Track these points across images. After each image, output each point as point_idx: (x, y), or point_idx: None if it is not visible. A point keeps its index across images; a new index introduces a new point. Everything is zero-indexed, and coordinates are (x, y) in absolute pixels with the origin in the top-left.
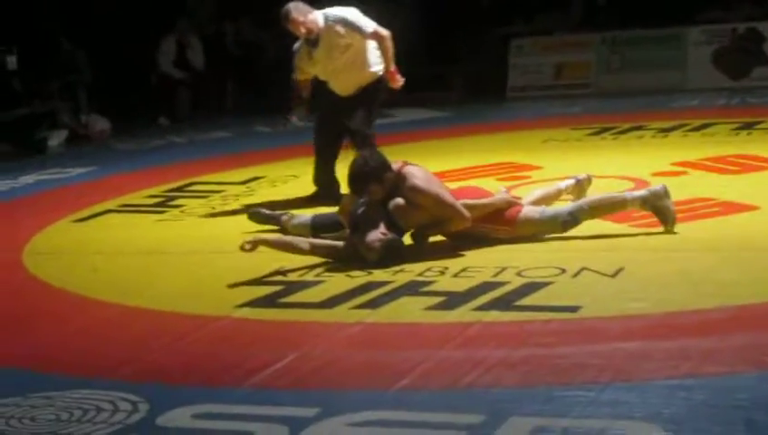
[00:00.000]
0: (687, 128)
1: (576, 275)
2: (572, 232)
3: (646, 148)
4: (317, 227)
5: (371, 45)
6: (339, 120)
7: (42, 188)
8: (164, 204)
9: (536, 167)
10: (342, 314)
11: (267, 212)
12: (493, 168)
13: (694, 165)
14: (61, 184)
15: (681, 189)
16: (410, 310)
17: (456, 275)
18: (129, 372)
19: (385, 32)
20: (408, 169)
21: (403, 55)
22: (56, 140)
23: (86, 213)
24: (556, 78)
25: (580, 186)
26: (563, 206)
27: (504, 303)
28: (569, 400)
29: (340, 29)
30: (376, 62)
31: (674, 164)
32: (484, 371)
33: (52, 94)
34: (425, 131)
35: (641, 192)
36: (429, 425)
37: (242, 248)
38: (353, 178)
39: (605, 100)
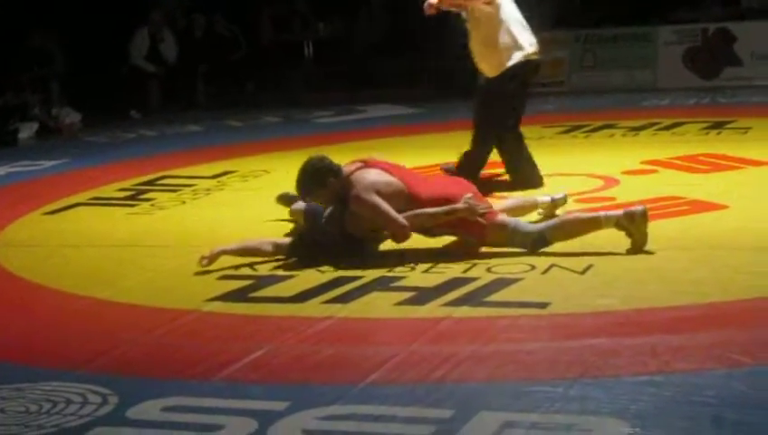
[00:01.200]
0: (658, 127)
1: (546, 271)
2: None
3: (616, 146)
4: (309, 214)
5: (505, 26)
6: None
7: (12, 181)
8: (135, 197)
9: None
10: (313, 308)
11: (293, 194)
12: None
13: (664, 164)
14: (31, 176)
15: (651, 188)
16: (381, 305)
17: (426, 271)
18: (100, 364)
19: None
20: (357, 175)
21: (375, 51)
22: (27, 132)
23: (57, 206)
24: None
25: (554, 205)
26: (537, 224)
27: (475, 298)
28: (537, 395)
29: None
30: (512, 45)
31: (644, 163)
32: (453, 366)
33: (23, 87)
34: (395, 127)
35: (617, 212)
36: (399, 419)
37: (200, 263)
38: (297, 181)
39: (577, 98)
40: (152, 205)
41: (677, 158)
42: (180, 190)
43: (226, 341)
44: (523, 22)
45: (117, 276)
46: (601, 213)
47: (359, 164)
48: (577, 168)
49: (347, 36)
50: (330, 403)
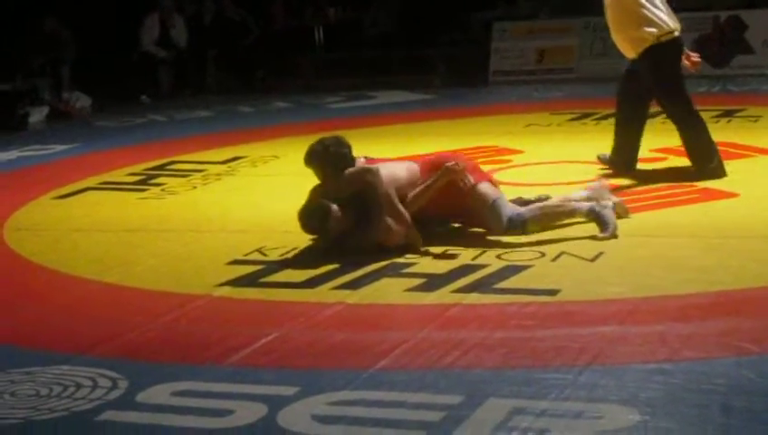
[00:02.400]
0: None
1: (555, 258)
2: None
3: None
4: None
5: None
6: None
7: (22, 165)
8: (145, 182)
9: (517, 151)
10: (323, 294)
11: None
12: (474, 151)
13: (674, 152)
14: (42, 161)
15: (661, 176)
16: (391, 291)
17: (436, 257)
18: (110, 348)
19: None
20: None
21: (385, 37)
22: (37, 116)
23: (67, 190)
24: (539, 62)
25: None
26: (518, 208)
27: (484, 285)
28: (547, 382)
29: None
30: (649, 22)
31: (654, 151)
32: (463, 352)
33: (33, 71)
34: (406, 114)
35: (588, 204)
36: (408, 405)
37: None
38: (306, 155)
39: (587, 85)
40: (163, 190)
41: None
42: (191, 175)
43: (236, 326)
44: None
45: (127, 261)
46: (574, 204)
47: (362, 160)
48: (587, 155)
49: (358, 22)
50: (339, 389)
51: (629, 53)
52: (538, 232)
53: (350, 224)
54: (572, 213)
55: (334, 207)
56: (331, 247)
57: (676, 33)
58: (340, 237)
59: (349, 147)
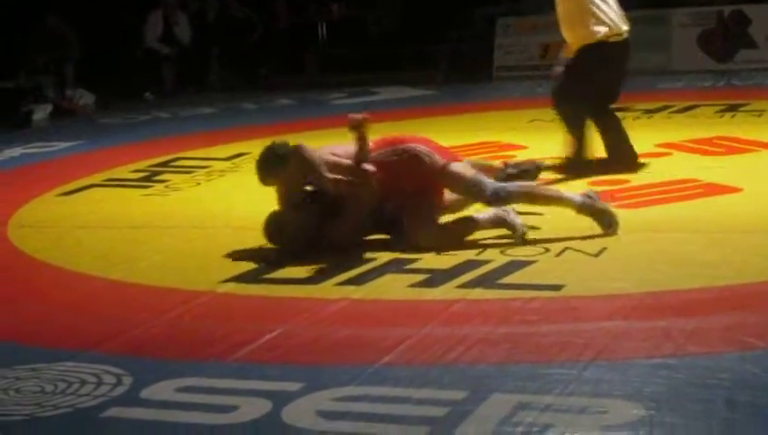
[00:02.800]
0: (672, 109)
1: (559, 254)
2: (556, 211)
3: (630, 129)
4: None
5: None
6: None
7: (26, 162)
8: (149, 179)
9: (521, 146)
10: (327, 290)
11: None
12: (478, 147)
13: (678, 146)
14: (46, 158)
15: (665, 171)
16: (395, 287)
17: (439, 253)
18: (114, 345)
19: None
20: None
21: (389, 34)
22: (41, 113)
23: (71, 187)
24: (542, 58)
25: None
26: (501, 183)
27: (488, 281)
28: (551, 377)
29: None
30: (599, 20)
31: (658, 145)
32: (467, 347)
33: (37, 69)
34: (410, 110)
35: (579, 197)
36: (412, 401)
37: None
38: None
39: None
40: (166, 186)
41: (692, 141)
42: (195, 172)
43: (241, 322)
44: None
45: (131, 257)
46: (566, 194)
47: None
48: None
49: (361, 18)
50: (344, 385)
51: (569, 52)
52: (524, 204)
53: (316, 217)
54: (561, 199)
55: (289, 215)
56: (299, 249)
57: (625, 35)
58: (313, 235)
59: (280, 148)
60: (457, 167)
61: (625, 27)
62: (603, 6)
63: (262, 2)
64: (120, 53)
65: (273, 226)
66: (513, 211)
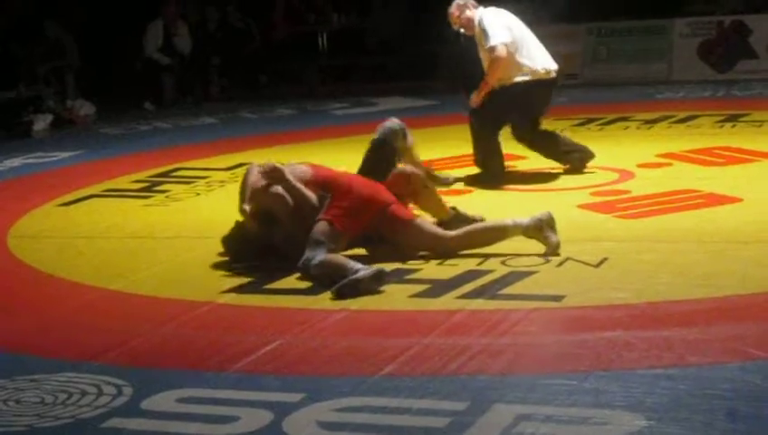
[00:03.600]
0: (673, 119)
1: (560, 264)
2: (556, 222)
3: (631, 139)
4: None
5: (514, 54)
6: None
7: (26, 172)
8: (149, 189)
9: (521, 157)
10: (327, 301)
11: None
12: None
13: (678, 157)
14: (46, 168)
15: (666, 181)
16: (395, 297)
17: (440, 264)
18: (114, 355)
19: (499, 52)
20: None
21: (388, 44)
22: (41, 124)
23: (71, 197)
24: None
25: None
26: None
27: (489, 291)
28: (552, 388)
29: (477, 32)
30: (512, 70)
31: (659, 156)
32: (468, 358)
33: (37, 79)
34: (409, 120)
35: (524, 221)
36: (413, 411)
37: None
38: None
39: (591, 90)
40: (167, 196)
41: (692, 151)
42: (195, 182)
43: (241, 332)
44: (534, 44)
45: (131, 268)
46: (509, 221)
47: None
48: (592, 161)
49: (361, 28)
50: (344, 395)
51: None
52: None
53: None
54: (504, 232)
55: (245, 229)
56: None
57: (552, 75)
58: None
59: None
60: (419, 223)
61: (546, 68)
62: (525, 56)
63: (261, 12)
64: (121, 63)
65: (228, 244)
66: (548, 223)
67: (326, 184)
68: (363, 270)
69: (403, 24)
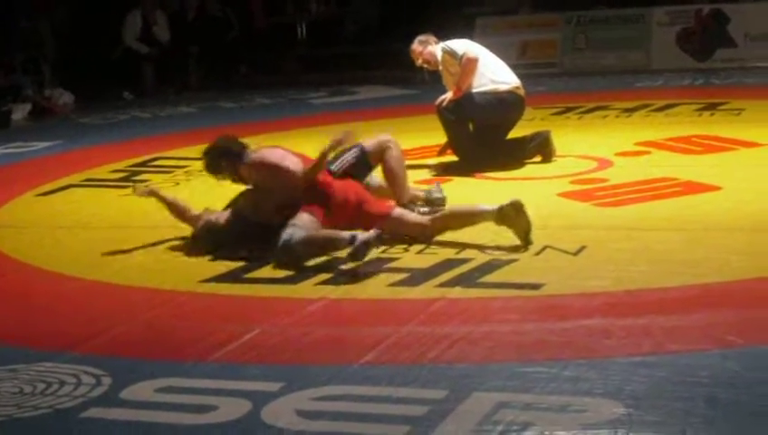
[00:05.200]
0: (651, 108)
1: (539, 252)
2: (535, 210)
3: (610, 127)
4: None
5: (484, 70)
6: None
7: (5, 162)
8: (128, 179)
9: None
10: (307, 289)
11: None
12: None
13: (657, 145)
14: (24, 158)
15: (644, 169)
16: (375, 286)
17: (419, 252)
18: (93, 345)
19: (471, 56)
20: (253, 154)
21: (368, 33)
22: (20, 113)
23: (50, 187)
24: (521, 57)
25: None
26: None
27: (468, 280)
28: (531, 376)
29: (443, 59)
30: (483, 79)
31: (638, 144)
32: (447, 346)
33: (14, 68)
34: (389, 109)
35: (492, 207)
36: (393, 400)
37: (135, 192)
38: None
39: (570, 79)
40: (145, 186)
41: (671, 139)
42: (174, 172)
43: (220, 322)
44: (502, 65)
45: (110, 258)
46: (478, 207)
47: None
48: (570, 149)
49: (340, 18)
50: (323, 384)
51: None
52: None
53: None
54: (473, 217)
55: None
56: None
57: (521, 91)
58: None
59: (229, 143)
60: (397, 212)
61: (516, 84)
62: (493, 72)
63: (239, 1)
64: (99, 52)
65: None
66: (513, 207)
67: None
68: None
69: (381, 14)
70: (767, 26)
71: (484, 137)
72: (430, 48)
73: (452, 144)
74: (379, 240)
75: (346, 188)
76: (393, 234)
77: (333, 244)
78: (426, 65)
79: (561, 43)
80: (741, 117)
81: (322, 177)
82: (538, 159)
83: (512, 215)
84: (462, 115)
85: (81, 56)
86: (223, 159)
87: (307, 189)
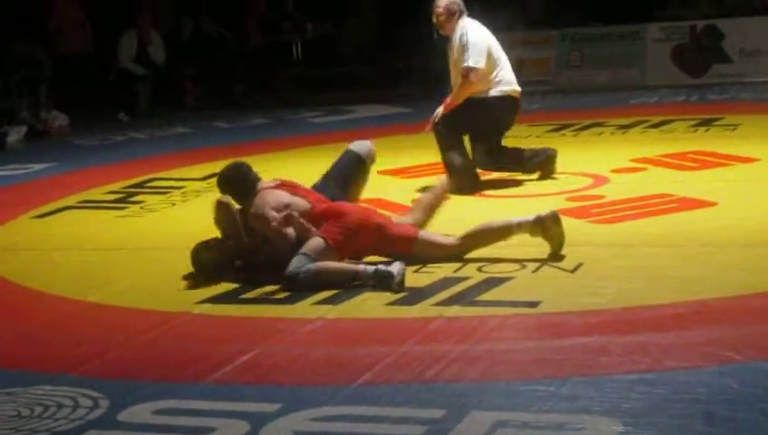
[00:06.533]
0: (646, 124)
1: (536, 270)
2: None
3: (605, 144)
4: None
5: (488, 73)
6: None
7: (1, 184)
8: (124, 200)
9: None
10: (304, 309)
11: None
12: None
13: (653, 161)
14: (20, 180)
15: (640, 186)
16: (372, 305)
17: (417, 271)
18: (90, 368)
19: (471, 78)
20: (262, 193)
21: (364, 52)
22: (15, 135)
23: (46, 209)
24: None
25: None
26: (449, 236)
27: (465, 298)
28: (529, 394)
29: (456, 43)
30: (481, 89)
31: (633, 160)
32: (445, 365)
33: (10, 90)
34: (385, 127)
35: (528, 219)
36: (391, 420)
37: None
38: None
39: (565, 96)
40: (142, 207)
41: (666, 155)
42: (170, 192)
43: (217, 343)
44: (507, 64)
45: (107, 279)
46: (514, 220)
47: (272, 183)
48: (566, 166)
49: (336, 37)
50: (322, 404)
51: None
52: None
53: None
54: (509, 230)
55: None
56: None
57: (518, 94)
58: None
59: (244, 172)
60: (426, 235)
61: (515, 88)
62: (498, 74)
63: (235, 21)
64: (94, 74)
65: (193, 258)
66: (552, 219)
67: (324, 213)
68: (385, 266)
69: (377, 33)
70: (762, 42)
71: (480, 142)
72: (453, 16)
73: (446, 163)
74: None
75: (361, 210)
76: (423, 258)
77: (345, 275)
78: (440, 28)
79: (555, 60)
80: (736, 132)
81: (326, 204)
82: (535, 175)
83: (550, 226)
84: (458, 133)
85: (77, 78)
86: (228, 191)
87: (317, 217)
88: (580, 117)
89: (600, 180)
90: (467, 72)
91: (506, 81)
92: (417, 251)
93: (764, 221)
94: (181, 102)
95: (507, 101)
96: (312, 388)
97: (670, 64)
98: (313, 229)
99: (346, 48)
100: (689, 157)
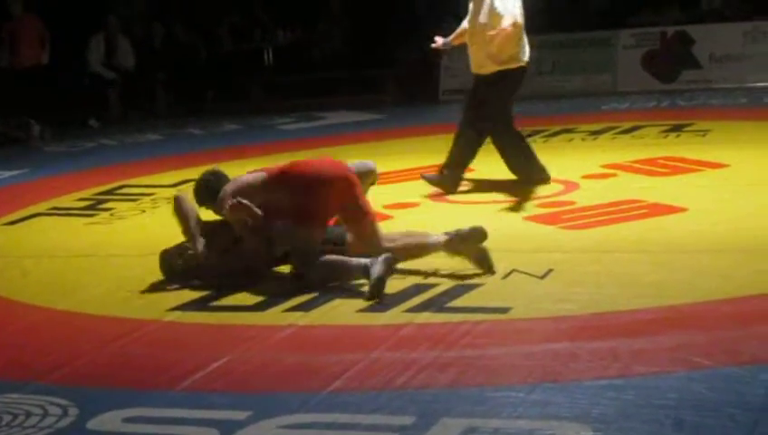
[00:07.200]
0: (617, 130)
1: (506, 276)
2: (502, 234)
3: (576, 150)
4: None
5: (521, 37)
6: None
7: None
8: (94, 207)
9: (468, 169)
10: (275, 316)
11: None
12: (426, 169)
13: (623, 167)
14: None
15: (611, 191)
16: (343, 312)
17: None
18: (60, 375)
19: (513, 28)
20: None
21: (334, 58)
22: None
23: (15, 216)
24: None
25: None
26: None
27: (436, 304)
28: (499, 400)
29: (488, 6)
30: (512, 53)
31: (603, 166)
32: (415, 372)
33: None
34: (357, 134)
35: (442, 237)
36: (361, 427)
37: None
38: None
39: (536, 102)
40: (111, 214)
41: (637, 161)
42: (140, 199)
43: (188, 350)
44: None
45: (76, 287)
46: (432, 239)
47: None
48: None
49: (307, 43)
50: (292, 412)
51: (476, 68)
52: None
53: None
54: (426, 248)
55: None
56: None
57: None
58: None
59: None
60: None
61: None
62: (524, 40)
63: (206, 28)
64: (64, 78)
65: (162, 265)
66: (470, 236)
67: (282, 178)
68: (374, 265)
69: (348, 39)
70: (731, 47)
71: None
72: None
73: (510, 165)
74: (390, 267)
75: (309, 161)
76: (360, 244)
77: (347, 272)
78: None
79: None
80: (706, 138)
81: (274, 169)
82: (510, 179)
83: (459, 246)
84: (505, 122)
85: (45, 83)
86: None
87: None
88: (550, 123)
89: (570, 186)
90: (511, 23)
91: (527, 49)
92: (363, 226)
93: (734, 227)
94: (152, 109)
95: (523, 72)
96: (283, 395)
97: (641, 70)
98: (256, 209)
99: (317, 54)
100: (660, 163)
